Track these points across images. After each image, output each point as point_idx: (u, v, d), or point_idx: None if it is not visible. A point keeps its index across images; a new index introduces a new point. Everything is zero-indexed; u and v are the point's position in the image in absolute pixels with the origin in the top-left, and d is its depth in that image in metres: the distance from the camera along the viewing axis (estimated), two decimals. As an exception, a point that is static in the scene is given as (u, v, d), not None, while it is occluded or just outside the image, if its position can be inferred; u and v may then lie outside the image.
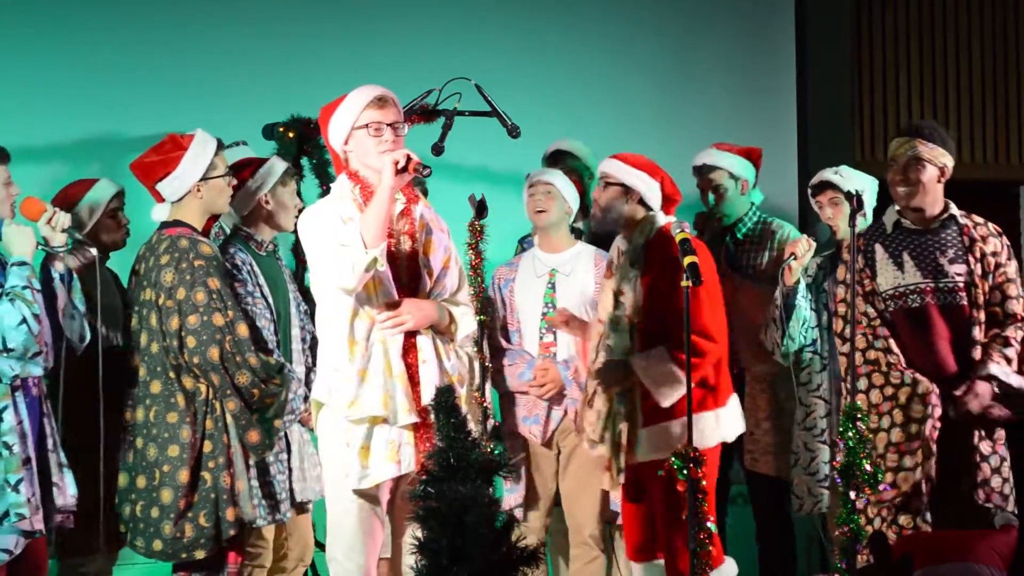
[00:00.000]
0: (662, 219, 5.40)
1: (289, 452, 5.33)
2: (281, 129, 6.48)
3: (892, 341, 5.35)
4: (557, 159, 6.38)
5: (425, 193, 6.18)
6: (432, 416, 4.61)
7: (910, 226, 5.47)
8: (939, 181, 5.44)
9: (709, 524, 4.82)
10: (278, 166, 5.51)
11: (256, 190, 5.42)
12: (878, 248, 5.43)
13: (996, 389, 5.30)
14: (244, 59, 7.07)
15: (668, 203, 5.43)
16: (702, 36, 7.94)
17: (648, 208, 5.41)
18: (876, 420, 5.32)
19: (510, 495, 5.90)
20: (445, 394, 4.12)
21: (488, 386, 5.81)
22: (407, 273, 4.75)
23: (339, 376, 4.67)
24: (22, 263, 4.82)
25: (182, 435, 5.01)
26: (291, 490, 5.34)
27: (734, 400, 5.42)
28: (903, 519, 5.28)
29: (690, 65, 7.89)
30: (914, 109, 8.45)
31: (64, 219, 5.00)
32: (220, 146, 5.23)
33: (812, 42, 8.16)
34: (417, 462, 4.65)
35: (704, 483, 4.82)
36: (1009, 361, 5.32)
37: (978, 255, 5.40)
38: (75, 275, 5.10)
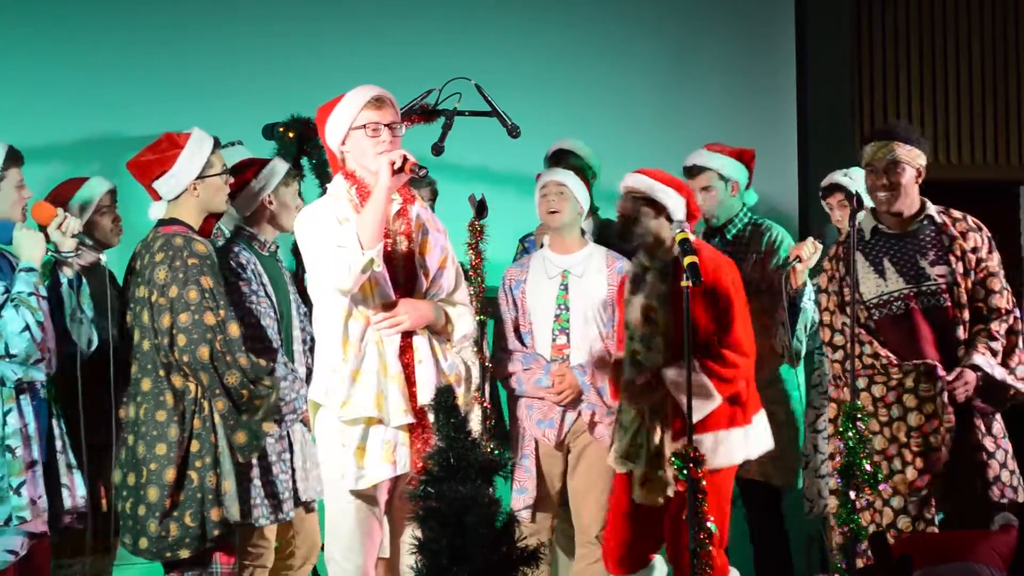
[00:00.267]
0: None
1: (292, 452, 5.33)
2: (281, 129, 6.48)
3: (877, 345, 5.33)
4: (559, 159, 6.38)
5: (436, 195, 6.19)
6: (428, 416, 4.64)
7: (888, 230, 5.44)
8: (916, 182, 5.42)
9: (709, 524, 4.83)
10: (281, 167, 5.53)
11: (260, 191, 5.44)
12: (858, 256, 5.40)
13: (979, 381, 5.29)
14: (244, 59, 7.08)
15: (690, 218, 5.43)
16: (702, 36, 7.94)
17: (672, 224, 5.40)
18: (886, 413, 5.30)
19: (520, 496, 5.91)
20: (445, 394, 4.13)
21: (487, 387, 5.81)
22: (403, 273, 4.76)
23: (334, 377, 4.67)
24: (30, 269, 4.86)
25: (170, 433, 5.00)
26: (295, 489, 5.34)
27: (761, 416, 5.42)
28: (925, 513, 5.26)
29: (690, 65, 7.89)
30: (914, 109, 8.45)
31: (74, 224, 5.02)
32: (216, 144, 5.23)
33: (812, 42, 8.16)
34: (413, 462, 4.65)
35: (704, 489, 4.83)
36: (995, 354, 5.31)
37: (959, 253, 5.36)
38: (84, 280, 5.12)
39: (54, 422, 4.98)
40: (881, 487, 5.11)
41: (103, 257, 5.15)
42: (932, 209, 5.44)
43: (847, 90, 8.27)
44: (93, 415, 5.01)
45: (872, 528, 5.20)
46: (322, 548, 5.02)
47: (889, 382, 5.31)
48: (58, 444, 4.97)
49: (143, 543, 5.02)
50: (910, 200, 5.40)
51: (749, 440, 5.33)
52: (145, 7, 7.00)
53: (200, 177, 5.15)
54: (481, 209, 5.87)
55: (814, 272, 5.76)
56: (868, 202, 5.95)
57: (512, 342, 5.97)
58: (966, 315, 5.35)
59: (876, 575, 5.15)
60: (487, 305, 5.95)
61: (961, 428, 5.30)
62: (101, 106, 6.84)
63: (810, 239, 5.77)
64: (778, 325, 5.83)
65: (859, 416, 5.00)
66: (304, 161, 6.45)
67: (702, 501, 4.83)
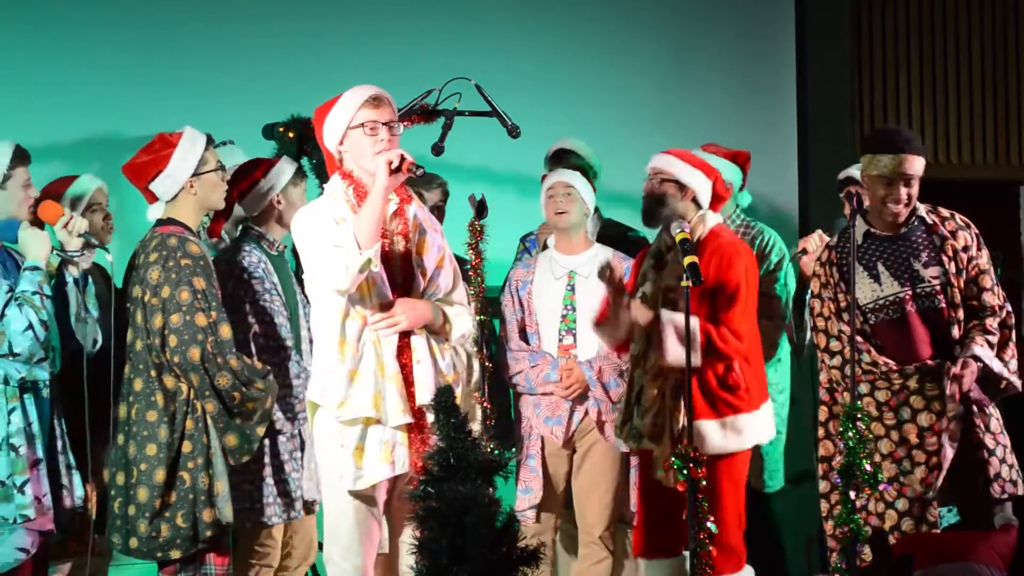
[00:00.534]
0: (712, 217, 5.41)
1: (303, 450, 5.34)
2: (281, 129, 6.48)
3: (875, 353, 5.33)
4: (559, 159, 6.38)
5: (447, 195, 6.19)
6: (427, 416, 4.64)
7: (880, 233, 5.43)
8: None
9: (709, 524, 4.83)
10: (290, 167, 5.55)
11: (268, 190, 5.46)
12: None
13: (979, 372, 5.29)
14: (244, 59, 7.08)
15: (716, 201, 5.44)
16: (702, 36, 7.94)
17: (699, 206, 5.41)
18: (893, 416, 5.30)
19: (525, 496, 5.92)
20: (445, 394, 4.12)
21: (487, 386, 5.81)
22: (401, 273, 4.75)
23: (332, 377, 4.67)
24: (35, 267, 4.86)
25: (160, 434, 4.99)
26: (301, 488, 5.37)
27: (768, 406, 5.43)
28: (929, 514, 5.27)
29: (690, 65, 7.89)
30: (914, 109, 8.45)
31: (81, 223, 5.02)
32: (210, 141, 5.23)
33: (812, 42, 8.17)
34: (412, 462, 4.65)
35: (701, 483, 4.84)
36: (991, 347, 5.31)
37: (950, 253, 5.36)
38: (90, 279, 5.12)
39: (55, 422, 4.98)
40: (882, 487, 5.10)
41: (108, 255, 5.14)
42: (922, 209, 5.42)
43: (847, 90, 8.27)
44: (95, 414, 5.02)
45: (868, 530, 5.19)
46: (320, 548, 5.02)
47: (892, 386, 5.31)
48: (58, 444, 4.98)
49: (133, 543, 5.01)
50: (912, 206, 5.41)
51: (755, 425, 5.34)
52: (145, 6, 7.00)
53: (196, 174, 5.15)
54: (481, 209, 5.87)
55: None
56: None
57: (517, 342, 5.97)
58: (960, 314, 5.35)
59: (876, 575, 5.15)
60: (487, 305, 5.95)
61: (962, 427, 5.30)
62: (101, 106, 6.84)
63: (818, 231, 5.78)
64: (788, 317, 5.84)
65: (859, 416, 5.00)
66: (304, 161, 6.45)
67: (702, 501, 4.83)
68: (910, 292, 5.34)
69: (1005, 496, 5.30)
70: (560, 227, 5.98)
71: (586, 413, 5.88)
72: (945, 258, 5.34)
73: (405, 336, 4.70)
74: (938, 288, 5.33)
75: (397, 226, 4.76)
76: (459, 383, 4.77)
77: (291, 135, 6.44)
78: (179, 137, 5.16)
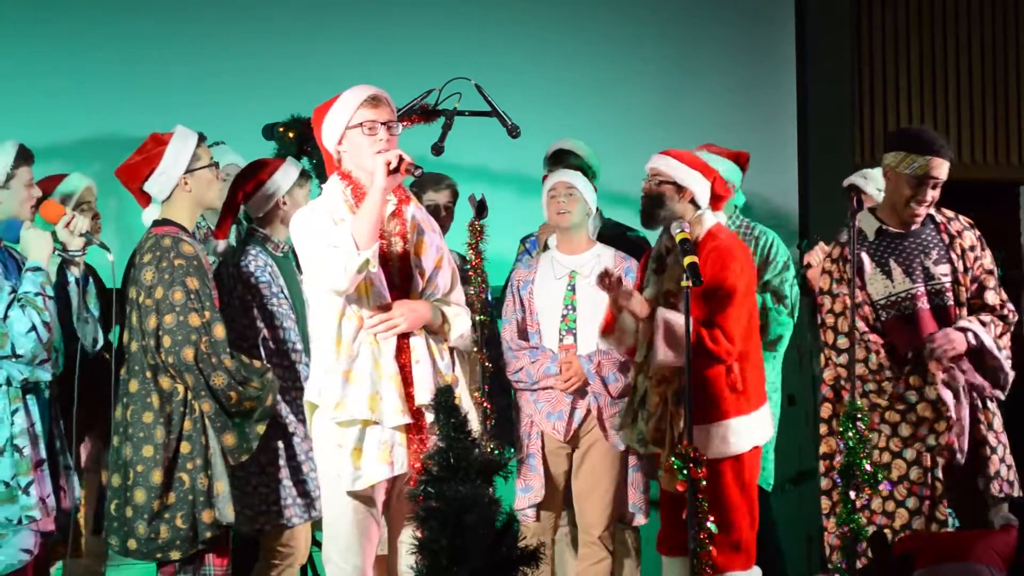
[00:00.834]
0: (710, 218, 5.41)
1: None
2: (281, 129, 6.48)
3: (884, 355, 5.34)
4: (559, 159, 6.38)
5: (456, 195, 6.19)
6: (425, 417, 4.64)
7: (893, 230, 5.45)
8: None
9: (709, 524, 4.83)
10: (295, 168, 5.56)
11: (274, 192, 5.47)
12: (864, 258, 5.40)
13: (972, 341, 5.30)
14: (244, 59, 7.08)
15: (716, 200, 5.44)
16: (702, 36, 7.94)
17: (697, 207, 5.41)
18: (903, 403, 5.31)
19: (525, 495, 5.92)
20: (445, 394, 4.12)
21: (487, 387, 5.82)
22: (399, 274, 4.74)
23: (328, 377, 4.66)
24: (37, 268, 4.85)
25: (156, 435, 4.98)
26: None
27: (766, 407, 5.44)
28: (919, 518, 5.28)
29: (690, 65, 7.89)
30: (914, 109, 8.45)
31: (82, 223, 5.02)
32: (202, 139, 5.23)
33: (812, 42, 8.17)
34: (411, 463, 4.64)
35: (701, 484, 4.84)
36: (984, 325, 5.33)
37: (958, 252, 5.40)
38: (91, 279, 5.12)
39: (53, 424, 4.97)
40: (883, 487, 5.11)
41: (110, 256, 5.14)
42: (931, 208, 5.45)
43: (847, 90, 8.27)
44: (88, 415, 5.03)
45: (868, 530, 5.19)
46: (318, 547, 5.02)
47: (898, 379, 5.33)
48: (57, 445, 4.97)
49: (132, 544, 5.01)
50: None
51: (754, 427, 5.35)
52: (145, 6, 7.00)
53: (189, 171, 5.14)
54: (481, 209, 5.87)
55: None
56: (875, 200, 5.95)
57: (517, 341, 5.97)
58: (964, 313, 5.38)
59: (876, 575, 5.15)
60: (488, 305, 5.95)
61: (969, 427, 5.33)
62: (101, 106, 6.84)
63: (819, 244, 5.79)
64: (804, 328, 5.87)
65: (859, 416, 5.00)
66: (304, 161, 6.45)
67: (702, 501, 4.84)
68: (923, 288, 5.36)
69: (1002, 496, 5.32)
70: (562, 227, 5.98)
71: (588, 411, 5.89)
72: (954, 256, 5.39)
73: (404, 336, 4.69)
74: (947, 286, 5.37)
75: (395, 226, 4.75)
76: (458, 383, 4.77)
77: (291, 135, 6.45)
78: (170, 136, 5.16)
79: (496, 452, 5.56)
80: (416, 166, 4.60)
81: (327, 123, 4.74)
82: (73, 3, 6.93)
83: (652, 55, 7.82)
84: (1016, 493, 5.35)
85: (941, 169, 5.35)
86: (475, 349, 5.73)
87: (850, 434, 4.98)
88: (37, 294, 4.80)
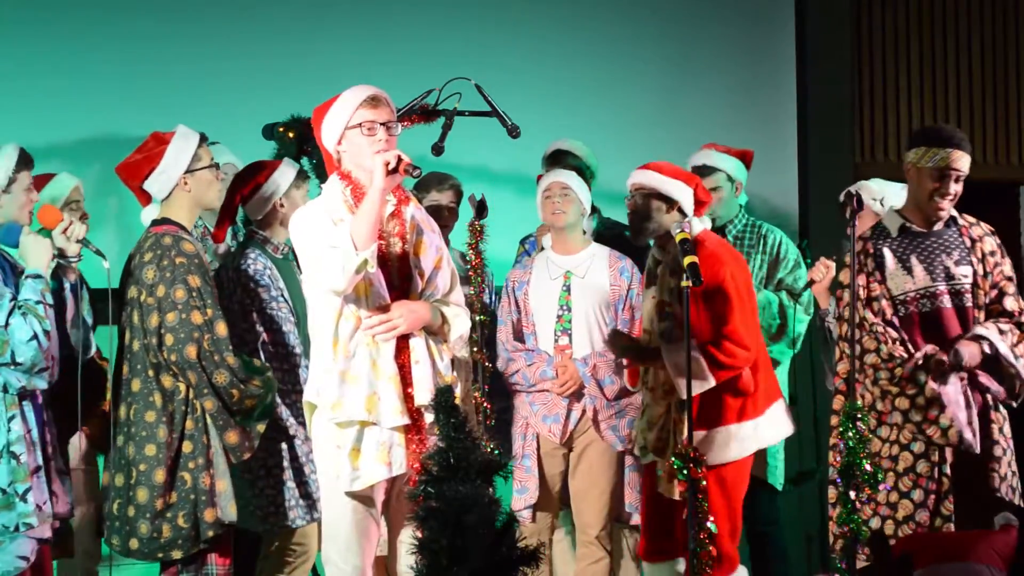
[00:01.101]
0: (697, 224, 5.40)
1: None
2: (281, 129, 6.48)
3: (899, 345, 5.34)
4: (557, 159, 6.39)
5: (461, 195, 6.19)
6: (424, 417, 4.64)
7: (917, 229, 5.46)
8: None
9: (709, 525, 4.83)
10: (292, 169, 5.56)
11: (271, 194, 5.47)
12: (886, 252, 5.42)
13: (987, 350, 5.30)
14: (244, 59, 7.07)
15: (699, 205, 5.43)
16: (702, 36, 7.94)
17: (683, 215, 5.40)
18: (914, 387, 5.31)
19: (521, 496, 5.92)
20: (445, 394, 4.12)
21: (486, 387, 5.82)
22: (398, 275, 4.74)
23: (326, 378, 4.66)
24: (38, 276, 4.82)
25: (159, 434, 4.98)
26: None
27: (777, 406, 5.44)
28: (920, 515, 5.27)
29: (690, 65, 7.89)
30: (914, 109, 8.45)
31: (80, 229, 5.01)
32: (203, 139, 5.23)
33: (812, 42, 8.17)
34: (409, 463, 4.64)
35: (714, 484, 4.84)
36: (1001, 333, 5.34)
37: (979, 255, 5.42)
38: (85, 286, 5.11)
39: (46, 429, 4.94)
40: (882, 487, 5.11)
41: (106, 264, 5.13)
42: (954, 211, 5.47)
43: (847, 90, 8.27)
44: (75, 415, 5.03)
45: (867, 530, 5.18)
46: (319, 548, 5.03)
47: (907, 362, 5.34)
48: (49, 450, 4.94)
49: (134, 544, 5.01)
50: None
51: (759, 431, 5.34)
52: (146, 6, 7.00)
53: (189, 171, 5.14)
54: (481, 209, 5.87)
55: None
56: (894, 202, 5.94)
57: (513, 342, 5.98)
58: (982, 316, 5.39)
59: (876, 575, 5.15)
60: (488, 305, 5.95)
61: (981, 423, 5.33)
62: (101, 106, 6.84)
63: (821, 260, 5.79)
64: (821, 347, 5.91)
65: (859, 416, 5.00)
66: (304, 161, 6.45)
67: (702, 501, 4.84)
68: (944, 287, 5.38)
69: (1008, 500, 5.32)
70: (557, 227, 5.98)
71: (583, 412, 5.89)
72: (975, 259, 5.41)
73: (404, 337, 4.68)
74: (968, 287, 5.39)
75: (394, 227, 4.75)
76: (458, 383, 4.77)
77: (291, 135, 6.45)
78: (172, 135, 5.15)
79: (496, 452, 5.57)
80: (415, 167, 4.60)
81: (327, 123, 4.74)
82: (73, 3, 6.92)
83: (652, 55, 7.82)
84: (1018, 502, 5.35)
85: (962, 161, 5.36)
86: (474, 350, 5.73)
87: (850, 434, 4.98)
88: (38, 302, 4.77)
